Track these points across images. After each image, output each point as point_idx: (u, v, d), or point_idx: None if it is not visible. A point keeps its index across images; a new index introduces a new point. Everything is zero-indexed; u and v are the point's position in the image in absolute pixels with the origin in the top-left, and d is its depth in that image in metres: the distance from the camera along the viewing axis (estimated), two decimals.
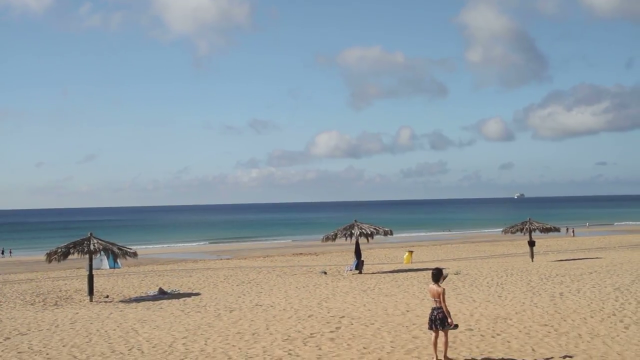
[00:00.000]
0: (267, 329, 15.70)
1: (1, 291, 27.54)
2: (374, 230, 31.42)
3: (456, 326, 11.95)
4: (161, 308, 20.62)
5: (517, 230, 36.07)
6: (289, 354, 12.77)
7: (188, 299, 22.68)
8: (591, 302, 17.99)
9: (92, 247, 23.50)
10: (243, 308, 19.67)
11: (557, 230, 37.03)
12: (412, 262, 36.57)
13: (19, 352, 13.98)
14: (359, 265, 31.06)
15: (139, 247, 46.45)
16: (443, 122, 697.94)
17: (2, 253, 65.01)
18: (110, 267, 39.77)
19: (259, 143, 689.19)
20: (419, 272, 29.66)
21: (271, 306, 19.84)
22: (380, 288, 23.76)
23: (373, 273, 30.52)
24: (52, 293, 26.29)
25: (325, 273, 31.26)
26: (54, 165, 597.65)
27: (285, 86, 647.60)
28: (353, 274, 30.19)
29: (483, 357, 11.94)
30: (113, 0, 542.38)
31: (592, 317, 15.68)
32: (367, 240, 31.86)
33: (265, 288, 25.30)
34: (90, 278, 23.89)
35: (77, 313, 20.11)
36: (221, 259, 47.23)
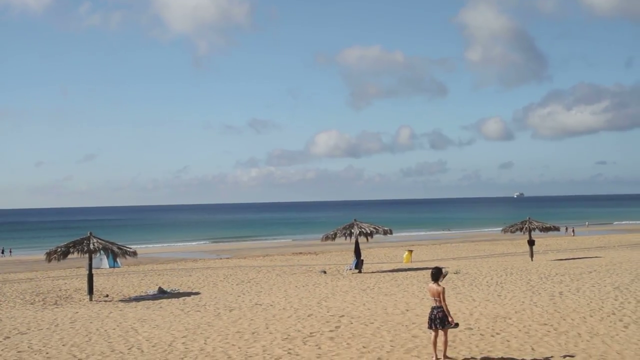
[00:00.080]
0: (267, 328, 15.71)
1: (1, 290, 27.55)
2: (374, 230, 31.43)
3: (457, 325, 11.96)
4: (161, 307, 20.62)
5: (517, 230, 36.07)
6: (289, 353, 12.77)
7: (188, 298, 22.68)
8: (591, 301, 18.00)
9: (91, 246, 23.50)
10: (243, 307, 19.68)
11: (556, 229, 37.02)
12: (411, 262, 36.58)
13: (18, 351, 13.98)
14: (359, 265, 31.07)
15: (138, 246, 46.44)
16: (443, 121, 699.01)
17: (2, 252, 65.01)
18: (110, 267, 39.79)
19: (258, 142, 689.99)
20: (418, 272, 29.67)
21: (271, 305, 19.85)
22: (380, 287, 23.77)
23: (373, 272, 30.53)
24: (52, 292, 26.30)
25: (325, 272, 31.27)
26: (53, 165, 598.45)
27: (285, 86, 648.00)
28: (353, 273, 30.20)
29: (482, 356, 11.94)
30: None
31: (591, 316, 15.69)
32: (367, 239, 31.87)
33: (264, 287, 25.30)
34: (90, 277, 23.89)
35: (76, 312, 20.11)
36: (221, 258, 47.24)
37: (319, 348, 13.13)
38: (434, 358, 11.70)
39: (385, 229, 31.91)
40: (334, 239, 31.83)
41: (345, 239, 31.66)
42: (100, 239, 24.11)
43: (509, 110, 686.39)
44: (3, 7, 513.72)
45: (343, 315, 17.20)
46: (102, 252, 24.75)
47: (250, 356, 12.62)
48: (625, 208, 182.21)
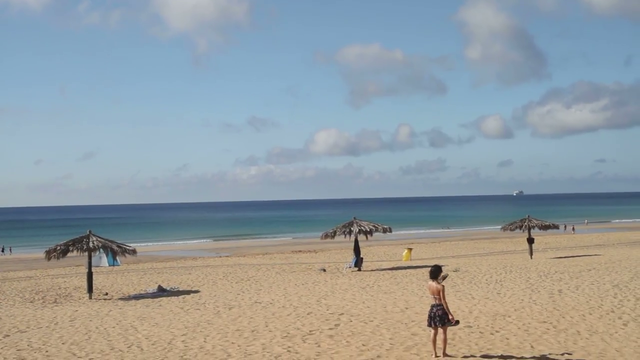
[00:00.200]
0: (266, 326, 15.72)
1: (0, 289, 27.55)
2: (373, 228, 31.45)
3: (457, 322, 11.97)
4: (160, 305, 20.62)
5: (516, 228, 36.09)
6: (288, 351, 12.78)
7: (187, 297, 22.68)
8: (590, 299, 18.01)
9: (91, 244, 23.50)
10: (242, 305, 19.69)
11: (555, 227, 37.07)
12: (411, 260, 36.59)
13: (18, 350, 13.99)
14: (358, 263, 31.09)
15: (138, 244, 46.41)
16: (442, 119, 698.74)
17: (3, 251, 65.02)
18: (110, 265, 39.77)
19: (258, 141, 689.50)
20: (418, 270, 29.69)
21: (270, 303, 19.86)
22: (380, 285, 23.78)
23: (372, 270, 30.55)
24: (52, 290, 26.30)
25: (324, 270, 31.29)
26: (53, 163, 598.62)
27: (284, 84, 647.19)
28: (352, 271, 30.21)
29: (482, 354, 11.95)
30: None
31: (590, 314, 15.70)
32: (366, 237, 31.91)
33: (264, 285, 25.31)
34: (90, 275, 23.89)
35: (76, 310, 20.11)
36: (220, 257, 47.25)
37: (319, 346, 13.14)
38: (434, 356, 11.71)
39: (385, 227, 31.92)
40: (333, 237, 31.84)
41: (345, 237, 31.67)
42: (99, 237, 24.12)
43: (509, 108, 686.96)
44: (2, 6, 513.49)
45: (342, 313, 17.21)
46: (101, 250, 24.76)
47: (249, 354, 12.63)
48: (624, 206, 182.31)
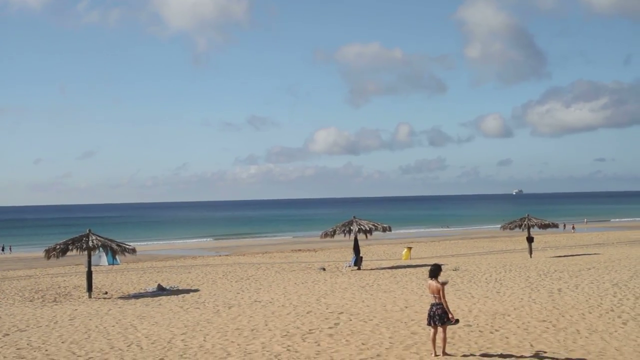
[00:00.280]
0: (266, 325, 15.72)
1: (0, 288, 27.54)
2: (373, 227, 31.44)
3: (457, 321, 11.96)
4: (160, 304, 20.62)
5: (516, 227, 36.08)
6: (288, 349, 12.78)
7: (187, 295, 22.68)
8: (589, 298, 18.02)
9: (90, 243, 23.50)
10: (242, 304, 19.68)
11: (555, 226, 37.08)
12: (410, 259, 36.59)
13: (18, 349, 13.98)
14: (358, 262, 31.09)
15: (137, 243, 46.39)
16: (442, 118, 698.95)
17: (3, 249, 65.03)
18: (109, 264, 39.73)
19: (257, 140, 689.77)
20: (417, 268, 29.69)
21: (270, 302, 19.86)
22: (379, 284, 23.78)
23: (372, 269, 30.55)
24: (51, 289, 26.30)
25: (324, 269, 31.29)
26: (52, 162, 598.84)
27: (284, 83, 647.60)
28: (352, 270, 30.21)
29: (481, 352, 11.95)
30: None
31: (590, 313, 15.71)
32: (366, 236, 31.90)
33: (264, 284, 25.31)
34: (89, 274, 23.88)
35: (76, 309, 20.11)
36: (220, 256, 47.24)
37: (318, 345, 13.13)
38: (433, 355, 11.72)
39: (384, 226, 31.92)
40: (333, 236, 31.84)
41: (344, 236, 31.68)
42: (99, 236, 24.11)
43: (508, 107, 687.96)
44: (2, 4, 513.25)
45: (342, 312, 17.21)
46: (101, 249, 24.76)
47: (249, 353, 12.62)
48: (624, 205, 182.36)
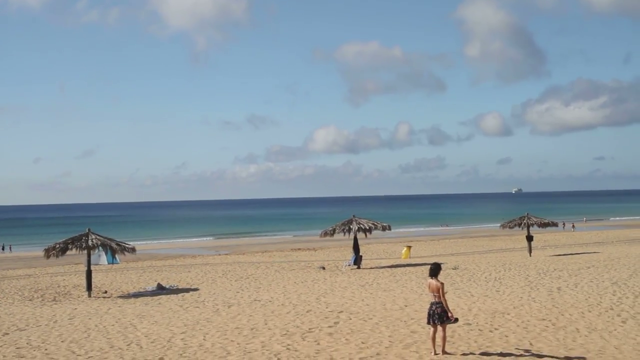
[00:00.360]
0: (266, 324, 15.72)
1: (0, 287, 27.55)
2: (372, 226, 31.44)
3: (456, 320, 11.96)
4: (159, 303, 20.62)
5: (515, 225, 36.11)
6: (288, 348, 12.78)
7: (186, 295, 22.69)
8: (589, 297, 18.03)
9: (90, 242, 23.49)
10: (241, 303, 19.69)
11: (555, 225, 37.10)
12: (410, 257, 36.60)
13: (17, 348, 13.98)
14: (357, 261, 31.09)
15: (137, 242, 46.42)
16: (441, 117, 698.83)
17: (3, 248, 65.03)
18: (109, 263, 39.74)
19: (257, 138, 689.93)
20: (417, 267, 29.70)
21: (269, 301, 19.86)
22: (379, 283, 23.79)
23: (371, 268, 30.56)
24: (51, 289, 26.29)
25: (324, 268, 31.30)
26: (52, 161, 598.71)
27: (283, 82, 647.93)
28: (351, 269, 30.22)
29: (481, 351, 11.96)
30: None
31: (589, 312, 15.72)
32: (365, 235, 31.89)
33: (263, 283, 25.31)
34: (89, 274, 23.88)
35: (75, 308, 20.11)
36: (219, 255, 47.24)
37: (318, 344, 13.14)
38: (433, 353, 11.72)
39: (384, 224, 31.92)
40: (332, 234, 31.86)
41: (344, 234, 31.68)
42: (98, 235, 24.10)
43: (508, 106, 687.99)
44: (1, 3, 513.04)
45: (342, 311, 17.21)
46: (100, 248, 24.73)
47: (249, 352, 12.63)
48: (623, 204, 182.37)
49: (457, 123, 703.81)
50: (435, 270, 11.82)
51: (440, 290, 11.63)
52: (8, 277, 32.29)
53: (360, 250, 32.04)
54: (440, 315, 11.55)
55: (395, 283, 23.56)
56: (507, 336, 13.22)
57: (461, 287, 21.47)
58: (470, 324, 14.59)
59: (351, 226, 31.19)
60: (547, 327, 14.05)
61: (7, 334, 15.82)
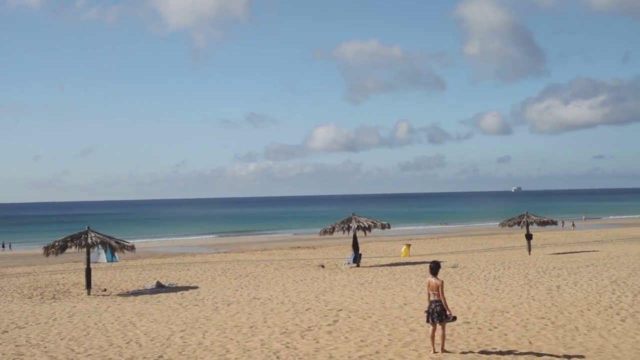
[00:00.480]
0: (265, 322, 15.72)
1: None
2: (372, 224, 31.44)
3: (455, 318, 11.97)
4: (159, 301, 20.63)
5: (515, 224, 36.13)
6: (287, 347, 12.78)
7: (186, 293, 22.69)
8: (588, 295, 18.04)
9: (89, 240, 23.48)
10: (241, 301, 19.69)
11: (554, 223, 37.12)
12: (409, 256, 36.62)
13: (16, 346, 13.98)
14: (357, 259, 31.09)
15: (136, 240, 46.46)
16: (440, 115, 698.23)
17: (3, 246, 65.02)
18: (108, 261, 39.73)
19: (256, 137, 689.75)
20: (416, 266, 29.70)
21: (269, 299, 19.86)
22: (378, 281, 23.79)
23: (371, 266, 30.56)
24: (50, 287, 26.29)
25: (323, 266, 31.30)
26: (51, 159, 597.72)
27: (283, 80, 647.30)
28: (351, 267, 30.23)
29: (480, 349, 11.96)
30: None
31: (589, 310, 15.73)
32: (365, 233, 31.89)
33: (263, 281, 25.32)
34: (88, 271, 23.88)
35: (74, 306, 20.11)
36: (219, 253, 47.25)
37: (317, 342, 13.14)
38: (432, 352, 11.72)
39: (383, 223, 31.92)
40: (332, 233, 31.85)
41: (343, 233, 31.67)
42: (98, 233, 24.09)
43: (507, 105, 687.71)
44: (1, 2, 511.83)
45: (341, 309, 17.22)
46: (100, 246, 24.72)
47: (248, 350, 12.63)
48: (622, 202, 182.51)
49: (457, 121, 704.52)
50: (435, 268, 11.84)
51: (440, 289, 11.64)
52: (7, 275, 32.29)
53: (360, 249, 32.04)
54: (439, 314, 11.56)
55: (394, 281, 23.56)
56: (506, 334, 13.22)
57: (460, 285, 21.47)
58: (469, 323, 14.60)
59: (350, 224, 31.18)
60: (546, 325, 14.05)
61: (6, 331, 15.83)
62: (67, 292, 24.34)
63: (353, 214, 32.11)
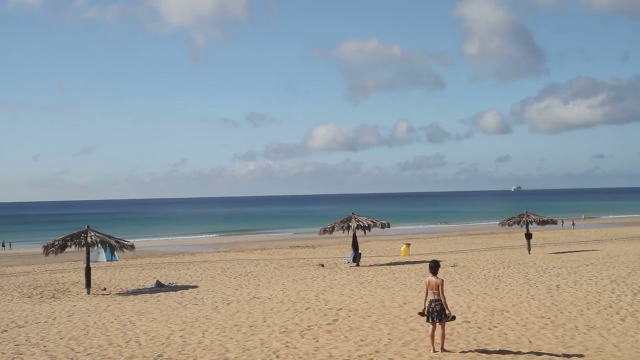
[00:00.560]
0: (265, 321, 15.72)
1: None
2: (371, 223, 31.44)
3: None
4: (158, 300, 20.62)
5: (514, 223, 36.13)
6: (287, 346, 12.78)
7: (185, 292, 22.68)
8: (588, 294, 18.04)
9: (89, 239, 23.47)
10: (240, 300, 19.68)
11: (554, 222, 37.13)
12: (409, 255, 36.62)
13: (16, 345, 13.98)
14: (356, 258, 31.09)
15: (136, 239, 46.44)
16: (440, 115, 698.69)
17: (3, 245, 65.02)
18: (108, 260, 39.75)
19: (256, 136, 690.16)
20: (416, 265, 29.70)
21: (268, 299, 19.86)
22: (378, 280, 23.79)
23: (370, 265, 30.56)
24: (50, 286, 26.28)
25: (323, 265, 31.30)
26: (51, 158, 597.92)
27: (283, 79, 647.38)
28: (350, 267, 30.22)
29: (480, 349, 11.96)
30: None
31: (588, 309, 15.73)
32: (365, 232, 31.89)
33: (262, 281, 25.31)
34: (88, 271, 23.87)
35: (74, 306, 20.11)
36: (219, 252, 47.24)
37: (317, 341, 13.14)
38: (432, 351, 11.72)
39: (383, 222, 31.93)
40: (331, 232, 31.85)
41: (343, 232, 31.67)
42: (97, 233, 24.08)
43: (507, 104, 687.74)
44: (0, 1, 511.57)
45: (341, 309, 17.22)
46: (99, 245, 24.74)
47: (248, 349, 12.62)
48: (622, 201, 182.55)
49: (457, 121, 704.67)
50: (435, 267, 11.85)
51: (440, 288, 11.64)
52: (7, 274, 32.28)
53: (360, 248, 32.04)
54: (439, 313, 11.56)
55: (394, 280, 23.56)
56: (505, 334, 13.22)
57: (460, 284, 21.47)
58: (469, 322, 14.60)
59: (350, 224, 31.18)
60: (545, 324, 14.06)
61: (6, 330, 15.82)
62: (66, 291, 24.33)
63: (353, 213, 32.10)
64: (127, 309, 18.94)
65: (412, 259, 33.96)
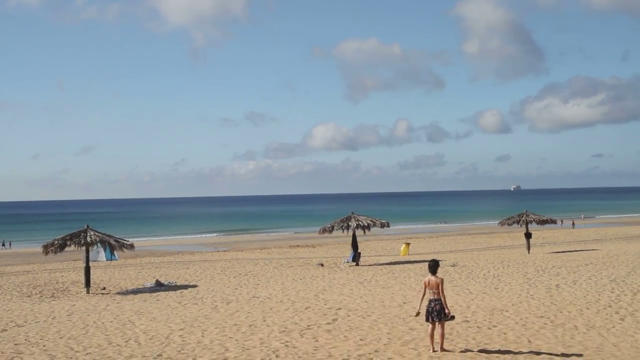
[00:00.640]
0: (264, 320, 15.71)
1: None
2: (371, 223, 31.44)
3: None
4: (158, 300, 20.62)
5: (514, 222, 36.14)
6: (286, 345, 12.77)
7: (185, 291, 22.68)
8: (587, 294, 18.04)
9: (88, 239, 23.47)
10: (240, 300, 19.68)
11: (553, 222, 37.15)
12: (408, 254, 36.62)
13: (15, 344, 13.97)
14: (356, 257, 31.09)
15: (135, 239, 46.40)
16: (440, 114, 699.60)
17: (2, 245, 65.02)
18: (107, 259, 39.77)
19: (255, 135, 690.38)
20: (415, 264, 29.70)
21: (268, 298, 19.86)
22: (377, 280, 23.79)
23: (370, 265, 30.56)
24: (49, 285, 26.27)
25: (322, 265, 31.30)
26: (50, 157, 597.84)
27: (282, 78, 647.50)
28: (350, 266, 30.23)
29: (479, 348, 11.96)
30: None
31: (588, 309, 15.73)
32: (364, 232, 31.89)
33: (262, 280, 25.31)
34: (87, 270, 23.87)
35: (73, 305, 20.10)
36: (218, 251, 47.25)
37: (316, 340, 13.13)
38: (431, 350, 11.72)
39: (383, 221, 31.93)
40: (331, 231, 31.84)
41: (343, 231, 31.67)
42: (97, 232, 24.08)
43: (506, 103, 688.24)
44: (0, 0, 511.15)
45: (340, 308, 17.21)
46: (99, 244, 24.74)
47: (247, 349, 12.62)
48: (622, 201, 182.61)
49: (456, 120, 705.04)
50: (434, 267, 11.84)
51: (440, 287, 11.64)
52: (6, 274, 32.28)
53: (359, 247, 32.04)
54: (439, 313, 11.56)
55: (393, 280, 23.56)
56: (505, 333, 13.22)
57: (459, 284, 21.47)
58: (468, 321, 14.59)
59: (350, 223, 31.18)
60: (545, 324, 14.05)
61: (5, 330, 15.82)
62: (66, 291, 24.32)
63: (352, 213, 32.10)
64: (127, 308, 18.94)
65: (411, 258, 33.97)
